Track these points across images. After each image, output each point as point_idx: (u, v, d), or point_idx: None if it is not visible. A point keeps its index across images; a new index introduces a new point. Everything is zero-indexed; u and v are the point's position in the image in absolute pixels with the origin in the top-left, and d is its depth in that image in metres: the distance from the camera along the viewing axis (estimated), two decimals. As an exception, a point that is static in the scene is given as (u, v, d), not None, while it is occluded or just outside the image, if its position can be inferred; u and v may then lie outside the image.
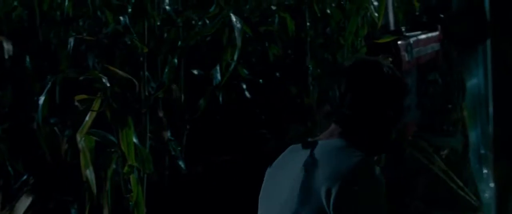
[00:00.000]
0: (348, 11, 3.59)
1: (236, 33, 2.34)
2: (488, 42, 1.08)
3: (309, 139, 1.54)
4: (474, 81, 1.09)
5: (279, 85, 3.90)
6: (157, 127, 3.24)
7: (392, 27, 5.75)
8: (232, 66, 2.46)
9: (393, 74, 1.48)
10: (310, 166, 1.43)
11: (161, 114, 3.25)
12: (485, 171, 1.10)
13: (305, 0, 3.53)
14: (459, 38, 1.13)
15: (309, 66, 3.59)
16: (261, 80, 3.87)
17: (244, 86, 4.16)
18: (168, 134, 3.40)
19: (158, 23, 3.09)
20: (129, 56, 3.49)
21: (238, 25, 2.37)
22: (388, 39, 4.06)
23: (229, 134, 3.84)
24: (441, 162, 5.42)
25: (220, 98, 3.52)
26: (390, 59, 5.00)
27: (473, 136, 1.13)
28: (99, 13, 3.93)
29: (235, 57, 2.35)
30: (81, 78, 3.21)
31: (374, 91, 1.46)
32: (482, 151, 1.10)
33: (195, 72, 4.25)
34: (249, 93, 3.82)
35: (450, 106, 6.97)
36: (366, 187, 1.37)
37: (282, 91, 3.77)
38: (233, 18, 2.37)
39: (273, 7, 5.13)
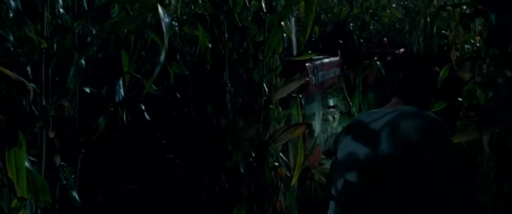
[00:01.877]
0: (269, 23, 3.26)
1: (164, 29, 1.90)
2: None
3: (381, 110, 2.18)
4: None
5: (188, 104, 3.47)
6: (46, 150, 2.67)
7: (294, 51, 5.56)
8: (157, 70, 2.00)
9: (427, 63, 2.29)
10: (399, 123, 2.03)
11: (52, 135, 2.68)
12: None
13: (224, 9, 3.15)
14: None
15: (228, 82, 3.20)
16: (169, 97, 3.41)
17: (143, 107, 3.68)
18: (59, 159, 2.83)
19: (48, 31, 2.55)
20: (11, 64, 2.90)
21: (166, 20, 1.94)
22: (307, 57, 3.80)
23: (132, 159, 3.33)
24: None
25: (124, 118, 3.01)
26: (307, 79, 4.75)
27: None
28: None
29: (162, 58, 1.91)
30: None
31: (427, 74, 2.23)
32: None
33: (88, 90, 3.70)
34: (156, 112, 3.35)
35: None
36: (443, 132, 2.03)
37: (194, 111, 3.34)
38: (161, 11, 1.93)
39: (175, 23, 4.72)
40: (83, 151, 3.07)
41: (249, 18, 3.41)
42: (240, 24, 3.25)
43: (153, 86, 3.29)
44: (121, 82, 3.11)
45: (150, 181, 3.31)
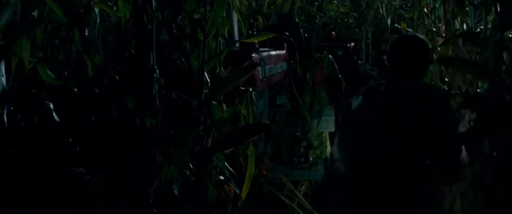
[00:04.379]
0: (212, -9, 2.46)
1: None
2: None
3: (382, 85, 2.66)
4: None
5: (99, 100, 2.61)
6: None
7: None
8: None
9: (427, 43, 2.65)
10: (409, 94, 2.53)
11: None
12: None
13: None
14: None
15: (155, 67, 2.36)
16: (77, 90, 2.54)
17: (51, 105, 2.79)
18: None
19: None
20: None
21: None
22: (262, 38, 3.02)
23: (26, 175, 2.44)
24: (302, 199, 4.52)
25: (5, 117, 2.13)
26: (259, 68, 3.95)
27: None
28: None
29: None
30: None
31: (423, 53, 2.61)
32: None
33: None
34: (64, 111, 2.48)
35: (299, 134, 6.16)
36: (445, 97, 2.71)
37: (107, 109, 2.49)
38: None
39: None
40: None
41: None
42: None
43: (50, 73, 2.42)
44: (2, 67, 2.23)
45: (50, 204, 2.43)
